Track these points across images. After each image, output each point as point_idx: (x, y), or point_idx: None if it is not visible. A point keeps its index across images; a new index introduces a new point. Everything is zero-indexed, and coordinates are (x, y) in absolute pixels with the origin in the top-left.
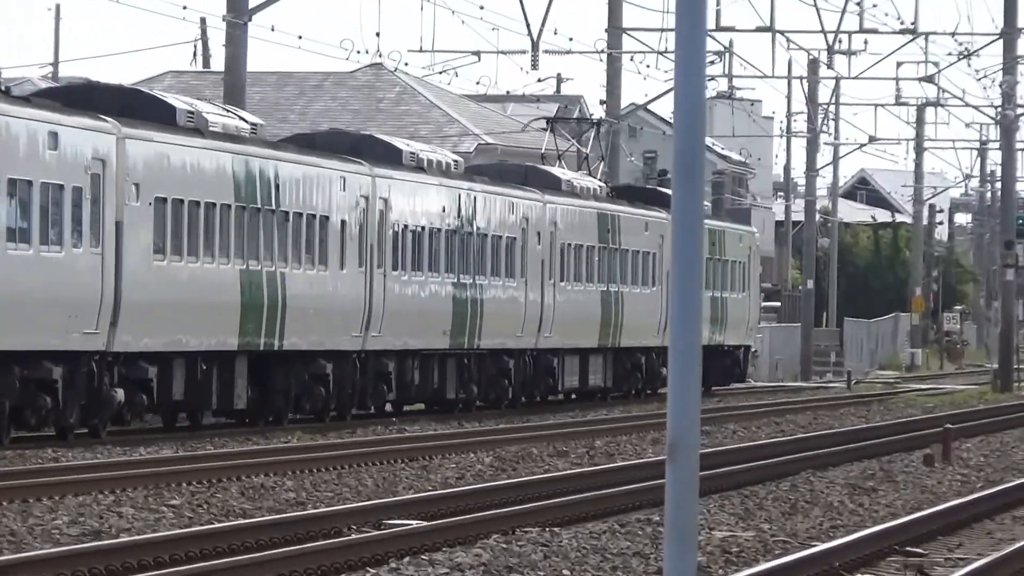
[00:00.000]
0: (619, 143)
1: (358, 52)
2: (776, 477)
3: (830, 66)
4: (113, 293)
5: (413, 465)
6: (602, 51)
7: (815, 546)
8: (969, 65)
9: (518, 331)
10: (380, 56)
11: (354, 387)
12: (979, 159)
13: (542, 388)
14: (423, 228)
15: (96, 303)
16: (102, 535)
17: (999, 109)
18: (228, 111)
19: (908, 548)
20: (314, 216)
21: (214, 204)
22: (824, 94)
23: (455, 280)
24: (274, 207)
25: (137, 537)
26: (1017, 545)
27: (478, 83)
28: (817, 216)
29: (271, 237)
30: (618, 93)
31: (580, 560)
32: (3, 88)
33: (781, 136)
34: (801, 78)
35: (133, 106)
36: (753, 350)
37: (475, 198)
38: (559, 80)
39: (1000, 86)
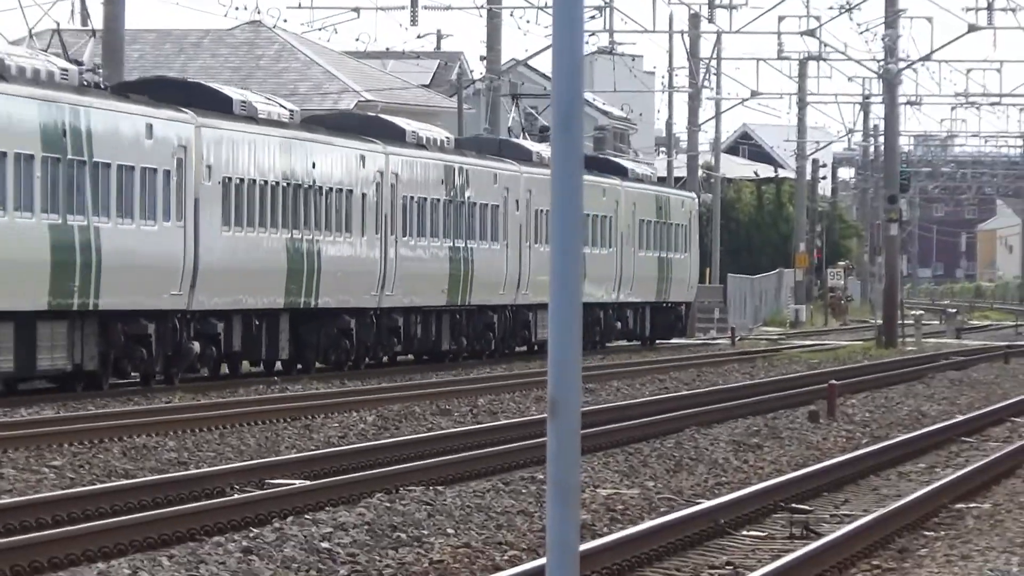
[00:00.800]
0: (499, 100)
1: (236, 9)
2: (661, 434)
3: (711, 20)
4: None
5: (296, 424)
6: (482, 7)
7: (700, 503)
8: (851, 19)
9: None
10: (259, 13)
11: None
12: (862, 113)
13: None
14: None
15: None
16: None
17: (882, 63)
18: (269, 99)
19: (794, 505)
20: (341, 190)
21: (266, 182)
22: (706, 49)
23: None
24: (311, 183)
25: (18, 498)
26: (902, 501)
27: (357, 40)
28: (700, 172)
29: (310, 210)
30: (499, 49)
31: (464, 518)
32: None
33: (663, 91)
34: (682, 32)
35: (198, 97)
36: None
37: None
38: (439, 36)
39: (882, 40)
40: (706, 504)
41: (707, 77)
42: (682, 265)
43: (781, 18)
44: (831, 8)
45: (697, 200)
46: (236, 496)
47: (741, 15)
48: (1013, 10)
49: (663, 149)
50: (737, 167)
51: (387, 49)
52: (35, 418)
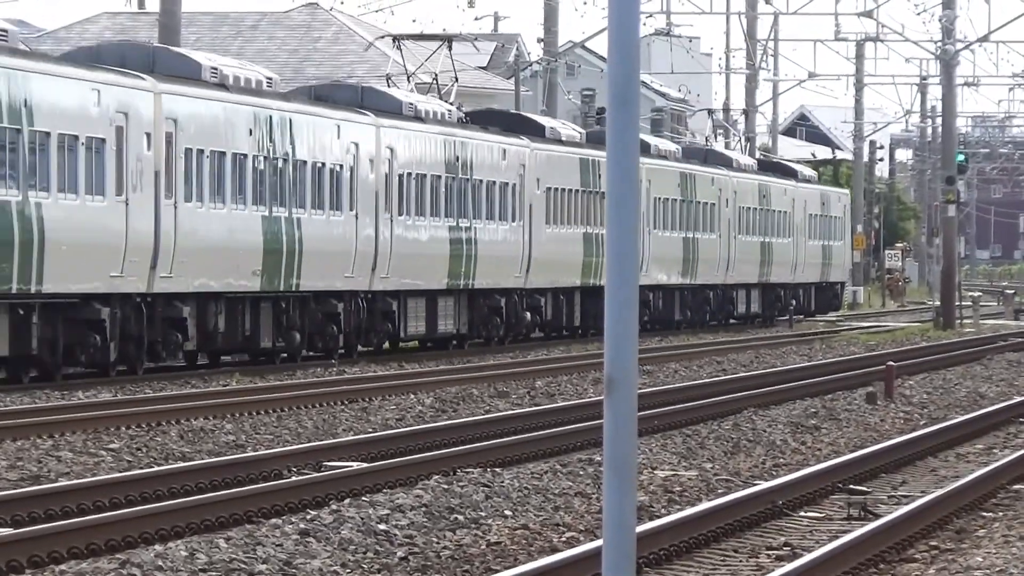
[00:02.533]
0: (557, 81)
1: None
2: (718, 416)
3: (769, 2)
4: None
5: (353, 407)
6: None
7: (758, 485)
8: (909, 0)
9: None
10: None
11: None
12: (919, 95)
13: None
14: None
15: None
16: (41, 479)
17: (939, 44)
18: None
19: (851, 486)
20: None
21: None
22: (763, 30)
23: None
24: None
25: (76, 481)
26: (960, 482)
27: (415, 22)
28: (757, 153)
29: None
30: (556, 31)
31: (522, 500)
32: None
33: (720, 73)
34: (740, 14)
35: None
36: None
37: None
38: (496, 19)
39: (940, 20)
40: (764, 485)
41: (764, 58)
42: (839, 251)
43: None
44: None
45: (849, 195)
46: (293, 478)
47: None
48: None
49: (720, 131)
50: (794, 148)
51: (444, 31)
52: (92, 401)
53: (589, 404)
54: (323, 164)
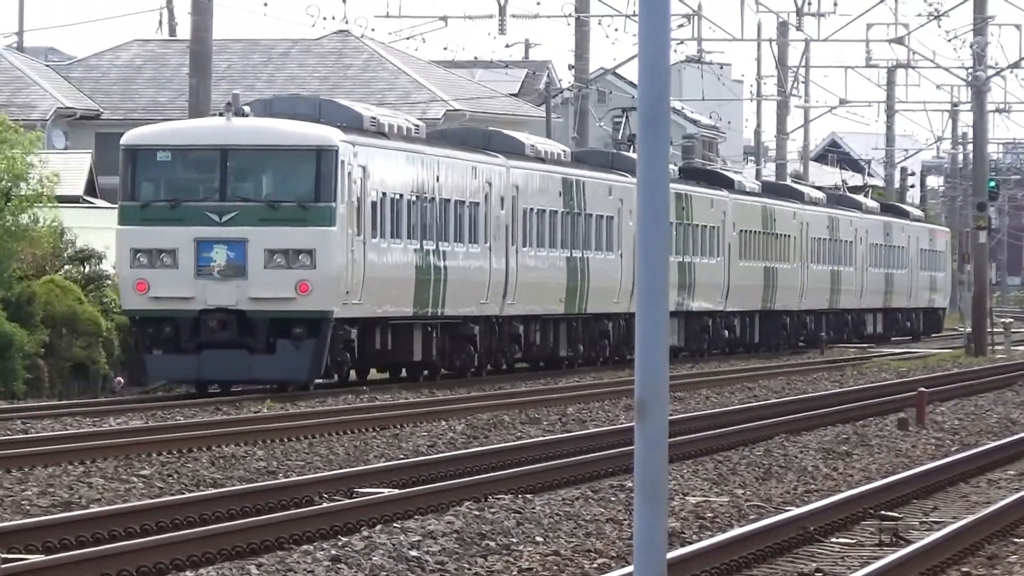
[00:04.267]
0: (588, 108)
1: (324, 19)
2: (750, 442)
3: (800, 28)
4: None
5: (384, 434)
6: (570, 15)
7: (789, 511)
8: (939, 26)
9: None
10: (346, 22)
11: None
12: (950, 121)
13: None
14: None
15: None
16: (72, 506)
17: (970, 70)
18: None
19: (883, 512)
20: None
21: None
22: (794, 57)
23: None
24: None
25: (107, 507)
26: (992, 508)
27: (445, 49)
28: (788, 180)
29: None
30: (587, 57)
31: (553, 527)
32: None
33: (751, 99)
34: (771, 41)
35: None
36: None
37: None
38: (527, 45)
39: (971, 47)
40: (795, 512)
41: (795, 85)
42: (942, 280)
43: (869, 26)
44: (919, 16)
45: (949, 233)
46: (325, 505)
47: (829, 23)
48: None
49: (751, 157)
50: (826, 175)
51: (475, 58)
52: (124, 428)
53: (620, 430)
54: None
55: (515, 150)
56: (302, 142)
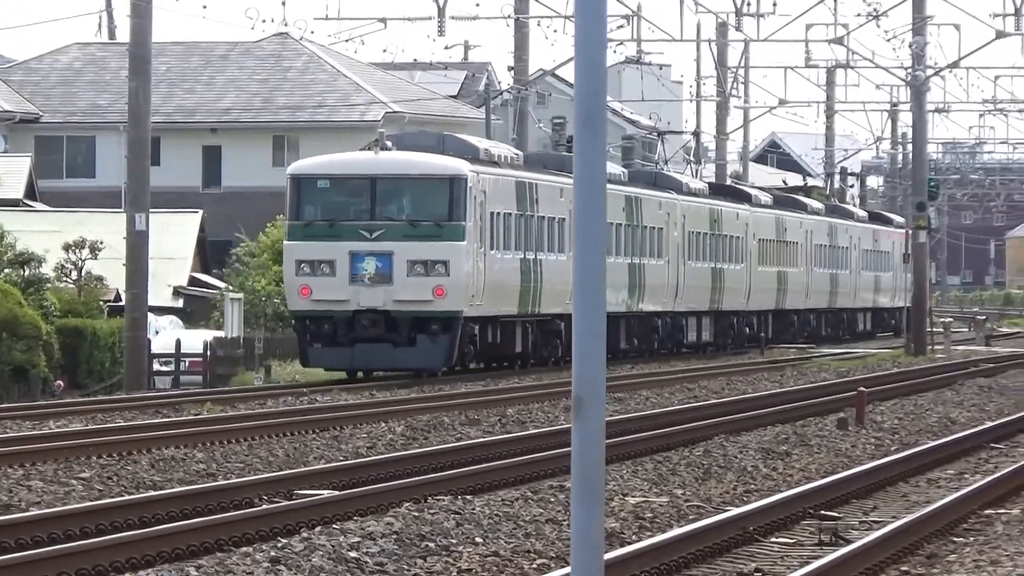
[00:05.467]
0: (528, 110)
1: (263, 21)
2: (690, 443)
3: (739, 29)
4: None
5: (324, 435)
6: (509, 17)
7: (729, 511)
8: (878, 26)
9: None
10: (286, 25)
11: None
12: (890, 121)
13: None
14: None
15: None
16: (11, 509)
17: (909, 70)
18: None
19: (823, 512)
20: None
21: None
22: (733, 57)
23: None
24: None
25: (47, 510)
26: (931, 507)
27: (385, 51)
28: (728, 180)
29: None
30: (526, 59)
31: (493, 527)
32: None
33: (691, 100)
34: (710, 41)
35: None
36: None
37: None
38: (466, 47)
39: (910, 47)
40: (735, 511)
41: (735, 86)
42: (892, 278)
43: (809, 26)
44: (858, 16)
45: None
46: (264, 506)
47: (768, 23)
48: None
49: (691, 158)
50: (765, 175)
51: (415, 60)
52: (63, 431)
53: (560, 431)
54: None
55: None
56: (438, 171)
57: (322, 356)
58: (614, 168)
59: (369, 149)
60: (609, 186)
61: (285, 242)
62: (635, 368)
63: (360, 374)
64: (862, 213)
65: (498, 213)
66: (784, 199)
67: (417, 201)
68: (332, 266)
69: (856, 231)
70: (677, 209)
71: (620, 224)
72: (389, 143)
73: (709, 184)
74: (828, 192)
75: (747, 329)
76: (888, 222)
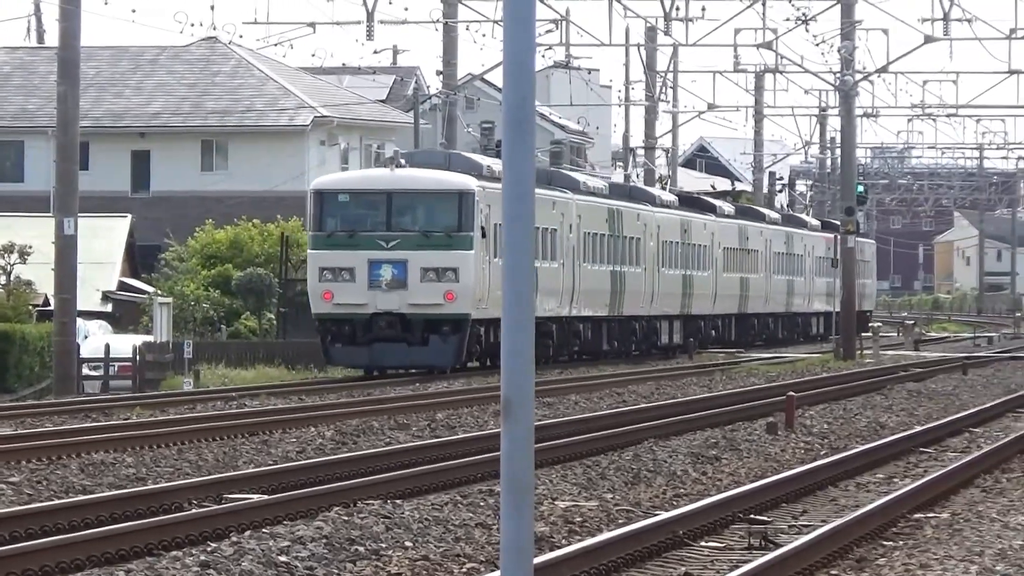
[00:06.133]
0: (456, 114)
1: (192, 25)
2: (619, 447)
3: (668, 33)
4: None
5: (254, 440)
6: (438, 21)
7: (659, 515)
8: (807, 31)
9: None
10: (214, 29)
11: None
12: (818, 126)
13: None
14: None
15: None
16: None
17: (838, 75)
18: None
19: (752, 516)
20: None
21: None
22: (662, 62)
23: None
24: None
25: None
26: (861, 511)
27: (313, 55)
28: (657, 185)
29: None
30: (455, 63)
31: (422, 532)
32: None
33: (619, 104)
34: (639, 46)
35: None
36: None
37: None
38: (395, 52)
39: (839, 51)
40: (664, 516)
41: (664, 90)
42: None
43: (737, 31)
44: (787, 20)
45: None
46: (194, 511)
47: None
48: (969, 21)
49: (620, 163)
50: (694, 180)
51: (343, 64)
52: None
53: (490, 436)
54: (638, 238)
55: (570, 185)
56: (448, 187)
57: (343, 355)
58: (599, 183)
59: (385, 166)
60: (593, 199)
61: (309, 251)
62: (564, 373)
63: (375, 372)
64: (777, 216)
65: (499, 224)
66: (746, 210)
67: (429, 214)
68: (352, 273)
69: (769, 233)
70: (653, 221)
71: (604, 235)
72: (403, 161)
73: (678, 196)
74: (754, 195)
75: (713, 332)
76: (804, 224)
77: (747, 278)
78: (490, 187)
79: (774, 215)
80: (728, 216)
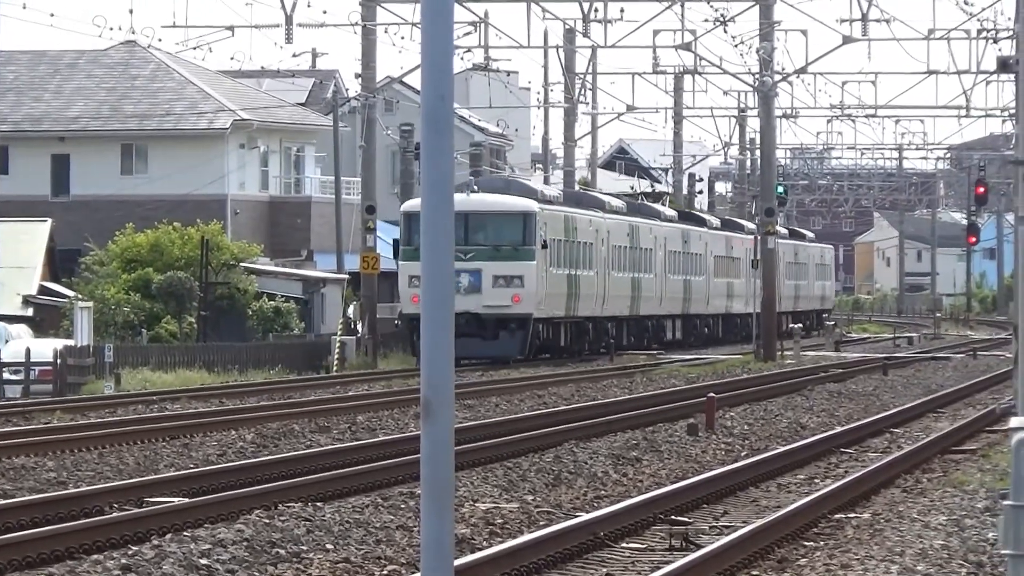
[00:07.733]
0: (375, 117)
1: (111, 29)
2: (540, 449)
3: (586, 35)
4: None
5: (174, 443)
6: (356, 24)
7: (580, 516)
8: (726, 31)
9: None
10: (133, 33)
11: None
12: (738, 127)
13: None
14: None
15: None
16: None
17: (757, 76)
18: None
19: (673, 517)
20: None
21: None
22: (581, 63)
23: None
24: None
25: None
26: (782, 512)
27: (232, 59)
28: (576, 187)
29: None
30: (374, 66)
31: (343, 534)
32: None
33: (538, 107)
34: (558, 48)
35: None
36: None
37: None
38: (314, 55)
39: (757, 53)
40: (585, 517)
41: (583, 92)
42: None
43: (656, 32)
44: (706, 21)
45: (832, 249)
46: (115, 514)
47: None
48: (887, 21)
49: (539, 165)
50: (613, 182)
51: (263, 68)
52: None
53: (410, 438)
54: (651, 248)
55: (597, 205)
56: (515, 208)
57: None
58: (618, 202)
59: (462, 192)
60: (618, 217)
61: (400, 262)
62: (485, 375)
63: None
64: (716, 220)
65: (553, 240)
66: (687, 215)
67: (499, 231)
68: None
69: (708, 237)
70: (661, 234)
71: (625, 247)
72: (476, 187)
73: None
74: (674, 197)
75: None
76: (740, 228)
77: (690, 280)
78: (547, 209)
79: (714, 221)
80: (717, 228)
